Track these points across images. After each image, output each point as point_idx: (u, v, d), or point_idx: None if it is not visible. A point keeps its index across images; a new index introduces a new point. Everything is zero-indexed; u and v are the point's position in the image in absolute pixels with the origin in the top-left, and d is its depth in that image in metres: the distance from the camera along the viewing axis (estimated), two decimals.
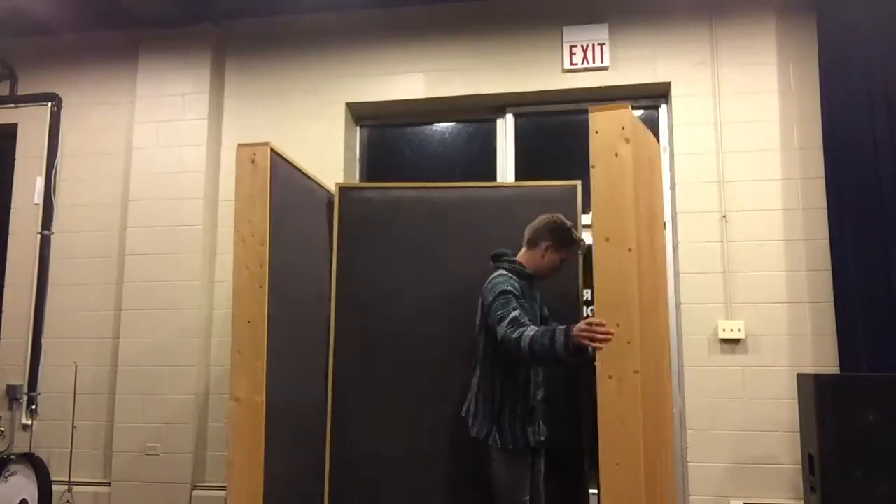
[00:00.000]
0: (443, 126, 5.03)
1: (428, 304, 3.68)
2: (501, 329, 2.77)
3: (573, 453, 3.44)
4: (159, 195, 4.78)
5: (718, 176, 4.32)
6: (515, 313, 2.79)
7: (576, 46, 4.58)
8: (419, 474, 3.54)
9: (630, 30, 4.56)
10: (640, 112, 4.74)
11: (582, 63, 4.56)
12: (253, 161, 3.04)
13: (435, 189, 3.88)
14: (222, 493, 4.44)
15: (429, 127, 5.05)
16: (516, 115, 4.85)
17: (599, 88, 4.57)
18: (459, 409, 3.24)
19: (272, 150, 3.13)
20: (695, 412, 4.14)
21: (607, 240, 2.60)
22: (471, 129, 5.00)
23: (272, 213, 3.08)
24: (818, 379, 3.55)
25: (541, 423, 3.09)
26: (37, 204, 5.01)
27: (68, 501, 4.62)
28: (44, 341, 4.87)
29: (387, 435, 3.59)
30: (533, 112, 4.83)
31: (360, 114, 5.01)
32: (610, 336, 2.48)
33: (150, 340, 4.64)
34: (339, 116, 4.82)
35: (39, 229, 4.97)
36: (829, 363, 4.02)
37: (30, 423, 4.79)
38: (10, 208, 5.07)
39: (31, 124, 5.11)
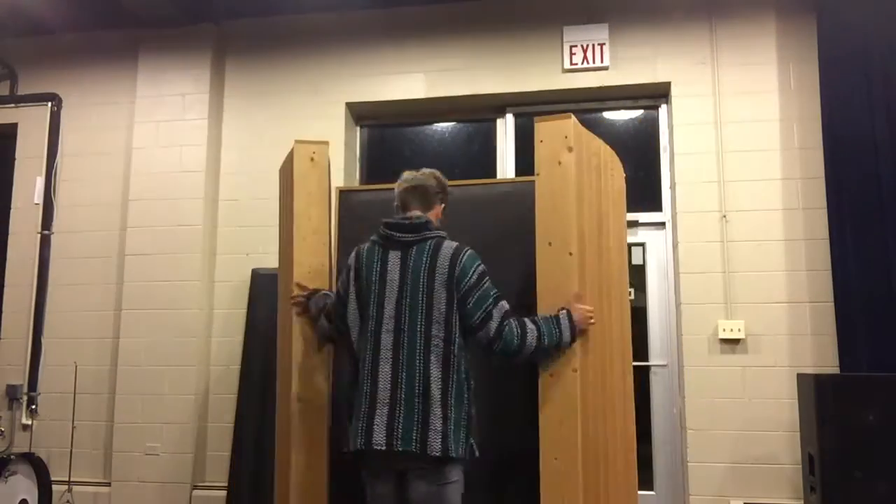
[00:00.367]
0: (443, 126, 5.04)
1: None
2: (495, 325, 2.36)
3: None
4: (159, 195, 4.78)
5: (718, 176, 4.32)
6: (505, 303, 2.43)
7: (576, 46, 4.58)
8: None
9: (630, 30, 4.56)
10: (640, 112, 4.75)
11: (582, 63, 4.57)
12: (312, 159, 3.07)
13: None
14: (222, 493, 4.45)
15: (429, 127, 5.06)
16: (516, 115, 4.85)
17: (599, 88, 4.58)
18: None
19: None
20: (695, 412, 4.15)
21: (550, 244, 2.69)
22: (471, 129, 5.00)
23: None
24: (818, 379, 3.55)
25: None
26: (37, 204, 5.02)
27: (68, 501, 4.62)
28: (44, 341, 4.87)
29: None
30: (533, 112, 4.83)
31: (360, 114, 5.01)
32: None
33: (150, 340, 4.65)
34: (339, 116, 4.82)
35: (39, 229, 4.97)
36: (829, 363, 4.03)
37: (30, 422, 4.79)
38: (10, 208, 5.08)
39: (31, 124, 5.11)
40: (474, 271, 2.40)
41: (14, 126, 5.15)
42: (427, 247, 2.44)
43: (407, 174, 2.64)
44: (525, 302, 3.01)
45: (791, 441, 4.00)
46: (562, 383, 2.62)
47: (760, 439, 4.07)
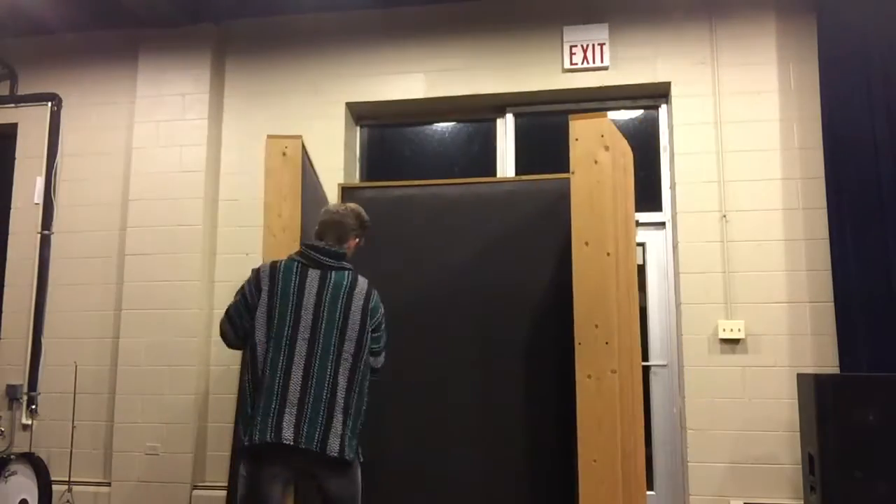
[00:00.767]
0: (443, 126, 5.04)
1: (429, 301, 3.69)
2: (382, 358, 2.79)
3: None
4: (159, 195, 4.78)
5: (718, 176, 4.32)
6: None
7: (576, 46, 4.58)
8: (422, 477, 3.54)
9: (630, 30, 4.56)
10: (640, 112, 4.75)
11: (582, 63, 4.57)
12: (284, 154, 3.02)
13: (434, 186, 3.89)
14: (222, 493, 4.45)
15: (429, 127, 5.05)
16: (516, 115, 4.85)
17: (599, 88, 4.58)
18: (461, 402, 3.25)
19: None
20: (695, 412, 4.15)
21: (587, 244, 2.67)
22: (471, 129, 5.00)
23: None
24: (818, 379, 3.55)
25: None
26: (37, 204, 5.02)
27: (68, 501, 4.62)
28: (44, 341, 4.87)
29: (384, 427, 3.59)
30: (533, 112, 4.84)
31: (360, 114, 5.01)
32: None
33: (150, 340, 4.65)
34: (339, 116, 4.82)
35: (39, 229, 4.97)
36: (829, 363, 4.03)
37: (30, 422, 4.79)
38: (10, 208, 5.08)
39: (31, 124, 5.12)
40: (381, 311, 2.77)
41: (14, 126, 5.16)
42: (346, 274, 2.71)
43: (331, 206, 2.85)
44: (530, 297, 3.01)
45: (791, 441, 4.00)
46: (601, 385, 2.58)
47: (760, 439, 4.07)
